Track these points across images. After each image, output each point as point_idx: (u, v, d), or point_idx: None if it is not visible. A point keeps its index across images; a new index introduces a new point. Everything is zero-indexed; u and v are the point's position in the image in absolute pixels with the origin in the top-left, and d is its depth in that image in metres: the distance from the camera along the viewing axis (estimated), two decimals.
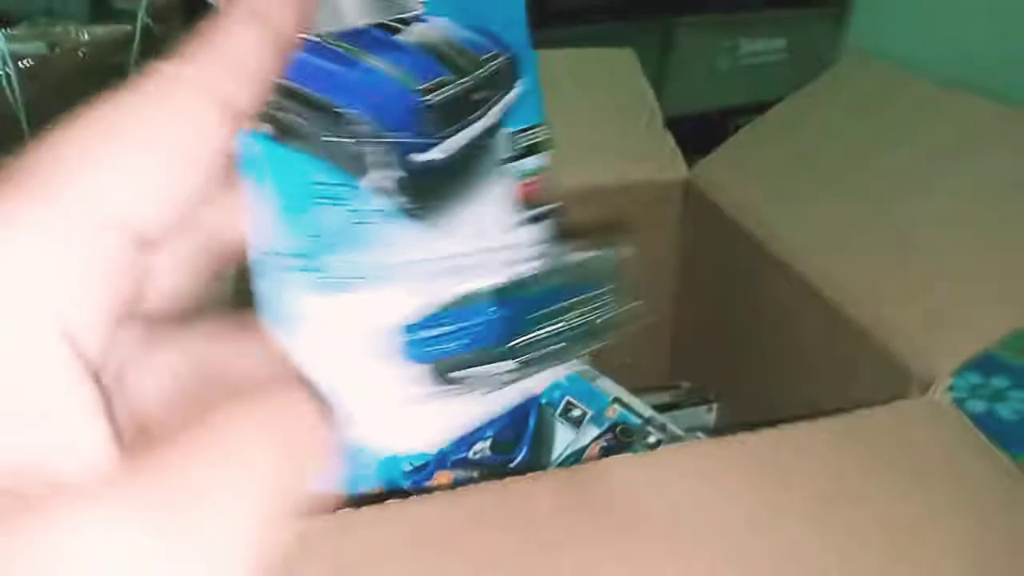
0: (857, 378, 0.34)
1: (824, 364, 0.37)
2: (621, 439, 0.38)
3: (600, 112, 0.51)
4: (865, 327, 0.34)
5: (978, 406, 0.56)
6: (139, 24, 0.67)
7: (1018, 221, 0.33)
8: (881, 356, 0.33)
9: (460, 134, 0.20)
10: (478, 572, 0.23)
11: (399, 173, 0.18)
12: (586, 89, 0.52)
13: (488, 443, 0.38)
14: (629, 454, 0.28)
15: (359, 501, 0.23)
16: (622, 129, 0.51)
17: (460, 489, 0.25)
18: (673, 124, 0.51)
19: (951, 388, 0.29)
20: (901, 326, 0.33)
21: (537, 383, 0.23)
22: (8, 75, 0.62)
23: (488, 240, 0.20)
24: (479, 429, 0.38)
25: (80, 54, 0.65)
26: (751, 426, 0.28)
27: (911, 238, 0.35)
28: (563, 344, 0.22)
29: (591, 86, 0.53)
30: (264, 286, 0.17)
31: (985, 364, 0.60)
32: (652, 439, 0.41)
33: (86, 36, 0.65)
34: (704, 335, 0.52)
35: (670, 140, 0.50)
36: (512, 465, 0.38)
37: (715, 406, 0.48)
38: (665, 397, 0.50)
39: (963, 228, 0.34)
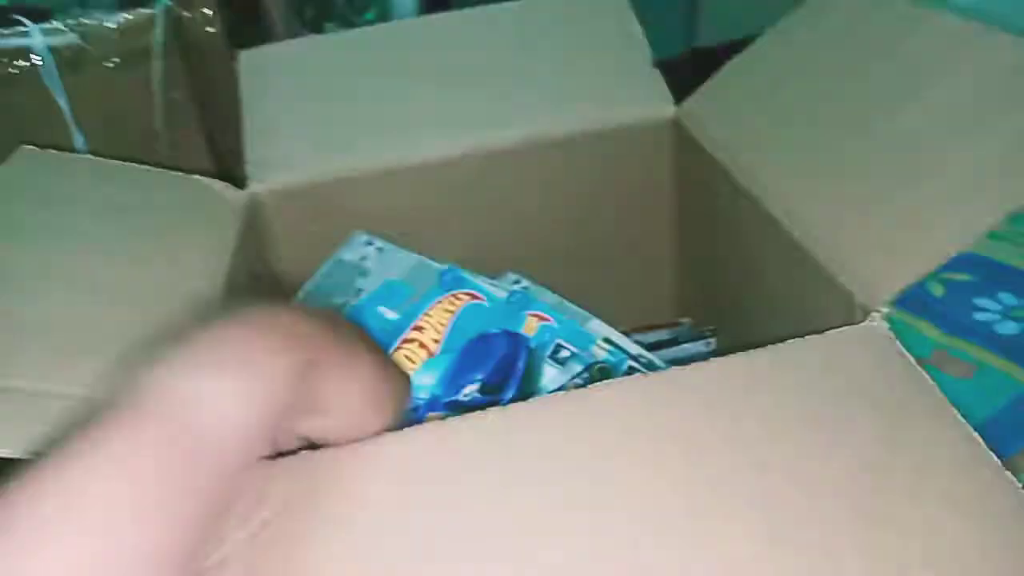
0: (817, 311, 0.35)
1: (788, 298, 0.38)
2: (597, 377, 0.40)
3: (588, 54, 0.52)
4: (820, 259, 0.34)
5: None
6: (160, 8, 0.70)
7: (975, 141, 0.33)
8: (833, 287, 0.33)
9: None
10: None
11: None
12: (574, 30, 0.53)
13: (478, 386, 0.40)
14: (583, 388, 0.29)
15: None
16: (611, 70, 0.51)
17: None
18: (708, 54, 0.50)
19: (889, 315, 0.30)
20: (850, 255, 0.33)
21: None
22: (48, 68, 0.66)
23: None
24: (470, 372, 0.41)
25: (111, 42, 0.69)
26: None
27: (872, 163, 0.35)
28: None
29: (578, 27, 0.53)
30: None
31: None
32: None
33: (115, 24, 0.69)
34: (701, 272, 0.53)
35: (658, 79, 0.51)
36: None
37: (713, 341, 0.49)
38: (664, 334, 0.51)
39: (922, 150, 0.34)
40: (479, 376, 0.40)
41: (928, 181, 0.33)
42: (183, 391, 0.20)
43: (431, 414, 0.40)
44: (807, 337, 0.30)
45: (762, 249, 0.40)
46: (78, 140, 0.69)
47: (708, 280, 0.52)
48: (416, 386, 0.40)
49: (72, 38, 0.67)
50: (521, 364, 0.41)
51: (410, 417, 0.37)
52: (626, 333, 0.47)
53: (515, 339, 0.42)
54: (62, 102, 0.67)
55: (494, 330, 0.43)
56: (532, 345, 0.43)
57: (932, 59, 0.38)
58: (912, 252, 0.31)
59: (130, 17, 0.70)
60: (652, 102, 0.50)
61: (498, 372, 0.41)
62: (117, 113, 0.71)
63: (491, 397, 0.40)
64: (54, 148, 0.46)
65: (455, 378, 0.41)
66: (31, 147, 0.44)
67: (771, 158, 0.40)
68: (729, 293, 0.48)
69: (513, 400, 0.41)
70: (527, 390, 0.42)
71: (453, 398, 0.40)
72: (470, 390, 0.40)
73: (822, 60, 0.43)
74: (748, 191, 0.40)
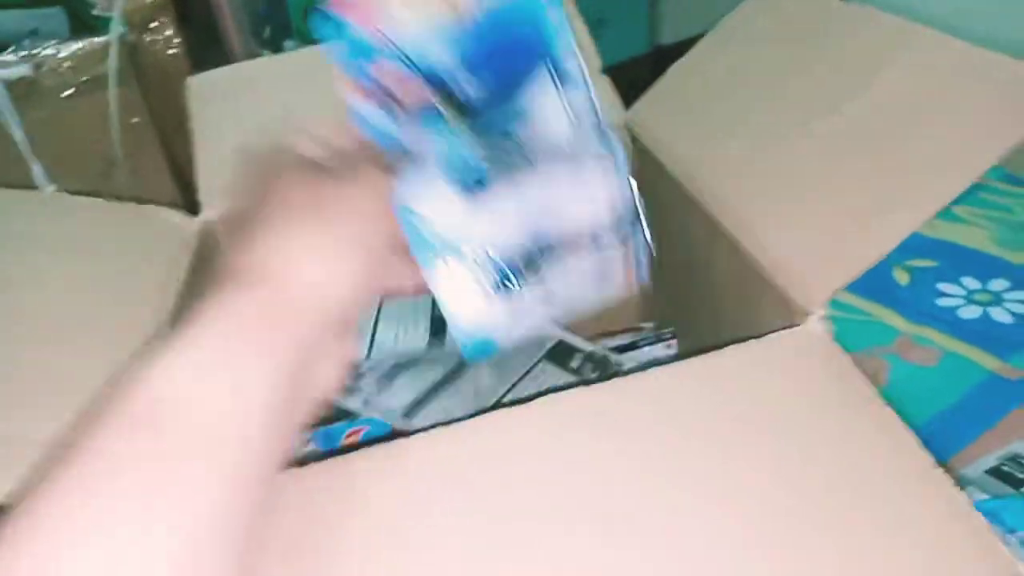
0: (757, 313, 0.35)
1: (731, 301, 0.38)
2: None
3: None
4: (760, 262, 0.35)
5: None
6: (114, 35, 0.70)
7: (902, 144, 0.33)
8: (772, 290, 0.33)
9: None
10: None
11: None
12: None
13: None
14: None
15: None
16: None
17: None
18: (672, 52, 0.49)
19: (826, 315, 0.30)
20: (786, 258, 0.33)
21: None
22: (2, 101, 0.66)
23: None
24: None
25: (62, 71, 0.69)
26: None
27: (808, 165, 0.36)
28: None
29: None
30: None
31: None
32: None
33: (68, 53, 0.69)
34: (660, 277, 0.53)
35: (607, 85, 0.51)
36: None
37: (674, 343, 0.50)
38: (627, 338, 0.51)
39: (853, 153, 0.35)
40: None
41: (867, 182, 0.33)
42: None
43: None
44: (748, 342, 0.30)
45: (709, 252, 0.40)
46: (37, 172, 0.69)
47: (666, 284, 0.52)
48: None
49: (25, 70, 0.67)
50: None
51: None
52: (590, 339, 0.47)
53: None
54: (18, 135, 0.67)
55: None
56: None
57: (869, 57, 0.38)
58: (850, 253, 0.32)
59: (83, 46, 0.69)
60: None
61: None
62: (75, 143, 0.71)
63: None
64: (12, 181, 0.45)
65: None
66: None
67: (715, 160, 0.40)
68: (684, 297, 0.48)
69: None
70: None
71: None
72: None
73: (764, 60, 0.43)
74: (692, 195, 0.40)
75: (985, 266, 0.60)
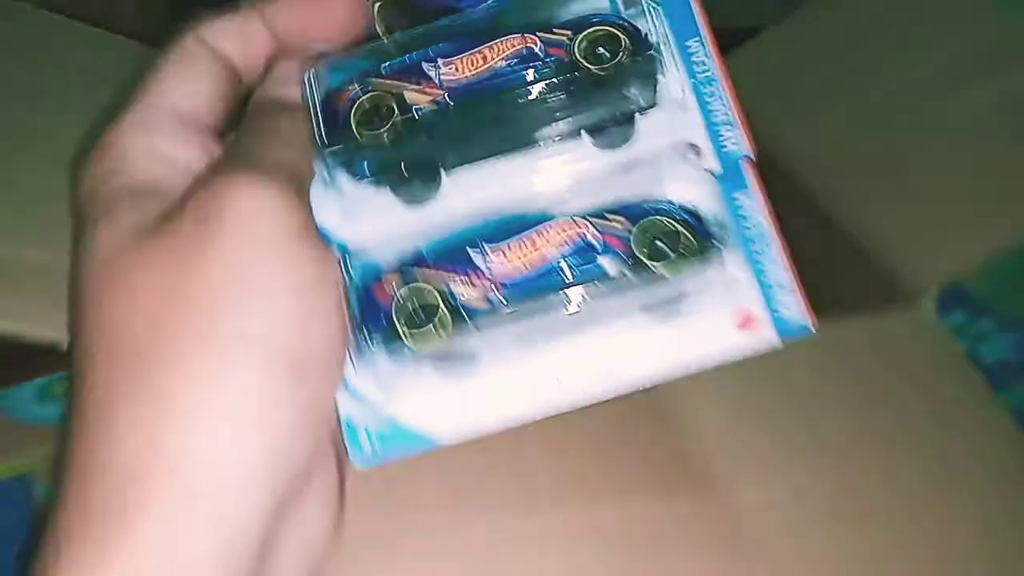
0: (847, 288, 0.36)
1: (818, 274, 0.41)
2: None
3: None
4: (859, 239, 0.36)
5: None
6: None
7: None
8: (872, 268, 0.35)
9: None
10: None
11: None
12: None
13: None
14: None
15: None
16: None
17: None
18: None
19: (935, 304, 0.32)
20: (893, 240, 0.35)
21: None
22: None
23: None
24: None
25: None
26: None
27: (920, 152, 0.36)
28: None
29: None
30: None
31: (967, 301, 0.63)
32: None
33: None
34: None
35: None
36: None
37: None
38: None
39: (971, 149, 0.36)
40: None
41: (973, 179, 0.35)
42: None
43: None
44: (857, 318, 0.32)
45: (787, 222, 0.41)
46: None
47: None
48: None
49: None
50: None
51: None
52: None
53: None
54: None
55: None
56: None
57: (977, 56, 0.38)
58: (962, 243, 0.33)
59: None
60: None
61: None
62: None
63: None
64: None
65: None
66: None
67: (804, 135, 0.40)
68: None
69: None
70: None
71: None
72: None
73: (861, 42, 0.43)
74: (780, 164, 0.40)
75: None
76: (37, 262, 0.28)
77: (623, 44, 0.18)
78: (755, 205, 0.20)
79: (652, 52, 0.19)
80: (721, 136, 0.20)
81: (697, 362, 0.19)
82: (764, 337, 0.19)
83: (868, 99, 0.41)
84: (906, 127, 0.39)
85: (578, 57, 0.19)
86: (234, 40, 0.21)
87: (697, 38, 0.20)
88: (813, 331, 0.19)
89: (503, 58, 0.19)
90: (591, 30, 0.19)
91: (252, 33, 0.21)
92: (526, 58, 0.19)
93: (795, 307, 0.19)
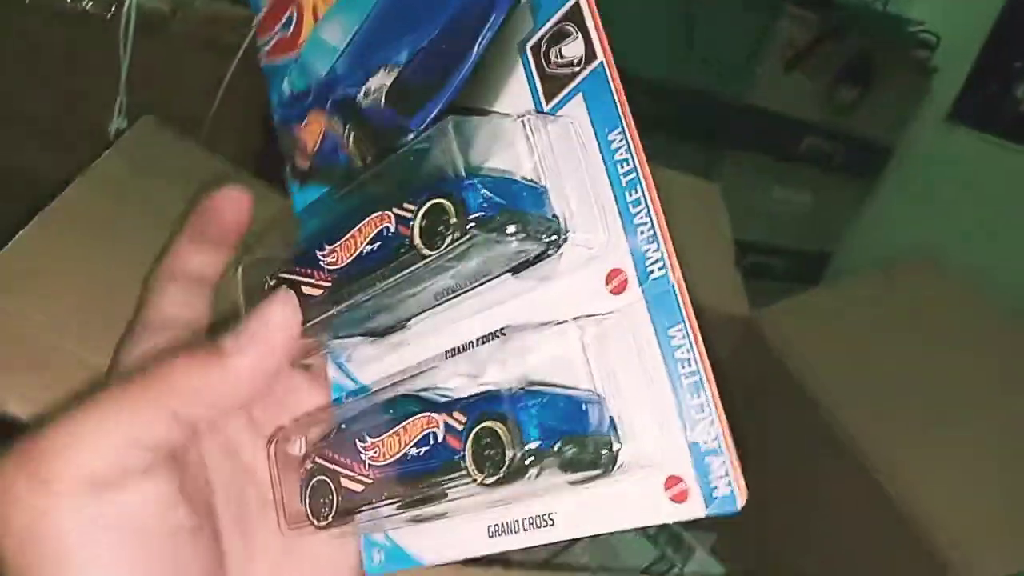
0: (893, 564, 0.33)
1: (863, 547, 0.35)
2: None
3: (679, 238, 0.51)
4: (911, 516, 0.32)
5: None
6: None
7: None
8: (922, 548, 0.31)
9: None
10: None
11: None
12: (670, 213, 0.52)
13: (390, 79, 0.22)
14: None
15: None
16: (697, 258, 0.50)
17: None
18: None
19: None
20: (949, 525, 0.31)
21: None
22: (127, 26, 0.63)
23: None
24: (389, 51, 0.22)
25: (196, 24, 0.66)
26: None
27: (987, 442, 0.34)
28: None
29: (675, 211, 0.52)
30: None
31: None
32: None
33: (206, 7, 0.66)
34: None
35: (738, 278, 0.50)
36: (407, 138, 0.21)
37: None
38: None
39: None
40: (400, 58, 0.22)
41: None
42: None
43: (314, 112, 0.24)
44: None
45: (846, 492, 0.37)
46: (119, 103, 0.65)
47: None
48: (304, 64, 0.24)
49: (159, 6, 0.64)
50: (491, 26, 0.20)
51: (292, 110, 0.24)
52: None
53: None
54: (124, 61, 0.63)
55: None
56: None
57: None
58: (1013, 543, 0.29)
59: (226, 7, 0.67)
60: (728, 296, 0.48)
61: (431, 71, 0.21)
62: (172, 84, 0.67)
63: (400, 117, 0.21)
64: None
65: (364, 55, 0.23)
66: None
67: (879, 409, 0.38)
68: (782, 522, 0.44)
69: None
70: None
71: (349, 94, 0.23)
72: (376, 87, 0.22)
73: (919, 329, 0.43)
74: (841, 430, 0.38)
75: None
76: None
77: (451, 214, 0.18)
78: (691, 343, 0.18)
79: (476, 222, 0.18)
80: (647, 259, 0.19)
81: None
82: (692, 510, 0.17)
83: (939, 391, 0.40)
84: (967, 419, 0.37)
85: (416, 239, 0.19)
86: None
87: (620, 129, 0.19)
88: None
89: (368, 241, 0.20)
90: (426, 205, 0.18)
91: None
92: (385, 238, 0.19)
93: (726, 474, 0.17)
